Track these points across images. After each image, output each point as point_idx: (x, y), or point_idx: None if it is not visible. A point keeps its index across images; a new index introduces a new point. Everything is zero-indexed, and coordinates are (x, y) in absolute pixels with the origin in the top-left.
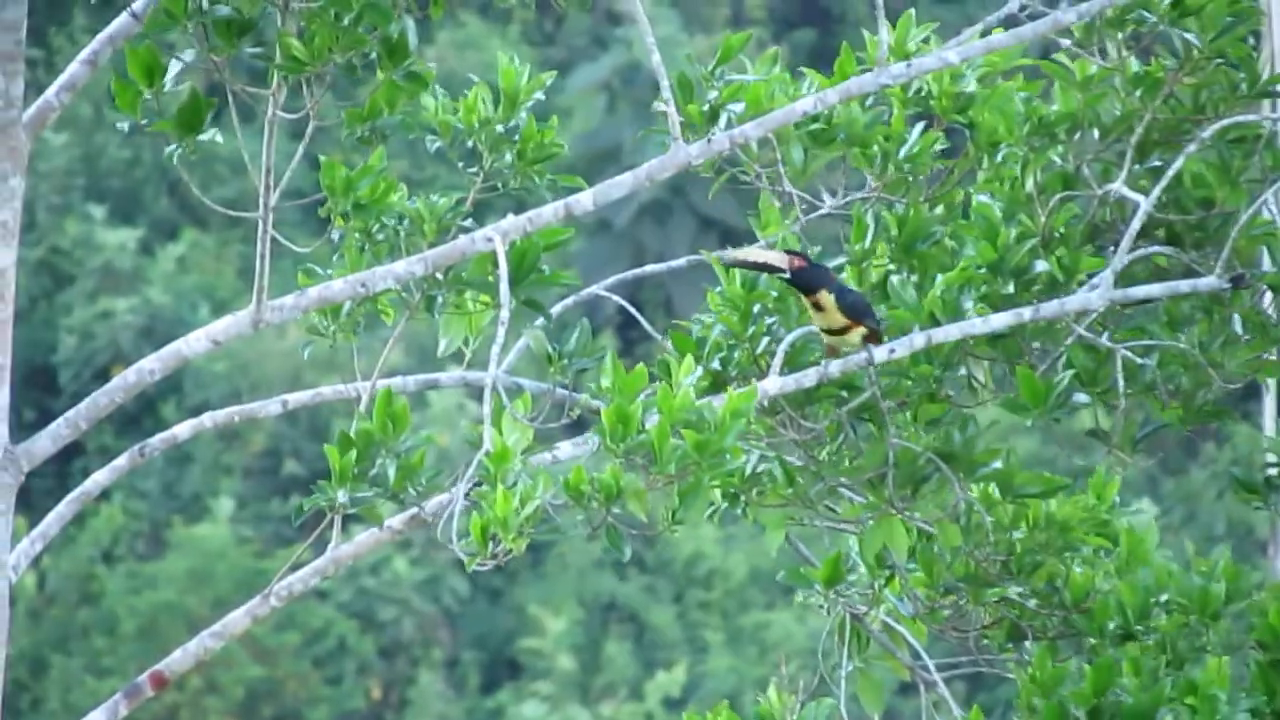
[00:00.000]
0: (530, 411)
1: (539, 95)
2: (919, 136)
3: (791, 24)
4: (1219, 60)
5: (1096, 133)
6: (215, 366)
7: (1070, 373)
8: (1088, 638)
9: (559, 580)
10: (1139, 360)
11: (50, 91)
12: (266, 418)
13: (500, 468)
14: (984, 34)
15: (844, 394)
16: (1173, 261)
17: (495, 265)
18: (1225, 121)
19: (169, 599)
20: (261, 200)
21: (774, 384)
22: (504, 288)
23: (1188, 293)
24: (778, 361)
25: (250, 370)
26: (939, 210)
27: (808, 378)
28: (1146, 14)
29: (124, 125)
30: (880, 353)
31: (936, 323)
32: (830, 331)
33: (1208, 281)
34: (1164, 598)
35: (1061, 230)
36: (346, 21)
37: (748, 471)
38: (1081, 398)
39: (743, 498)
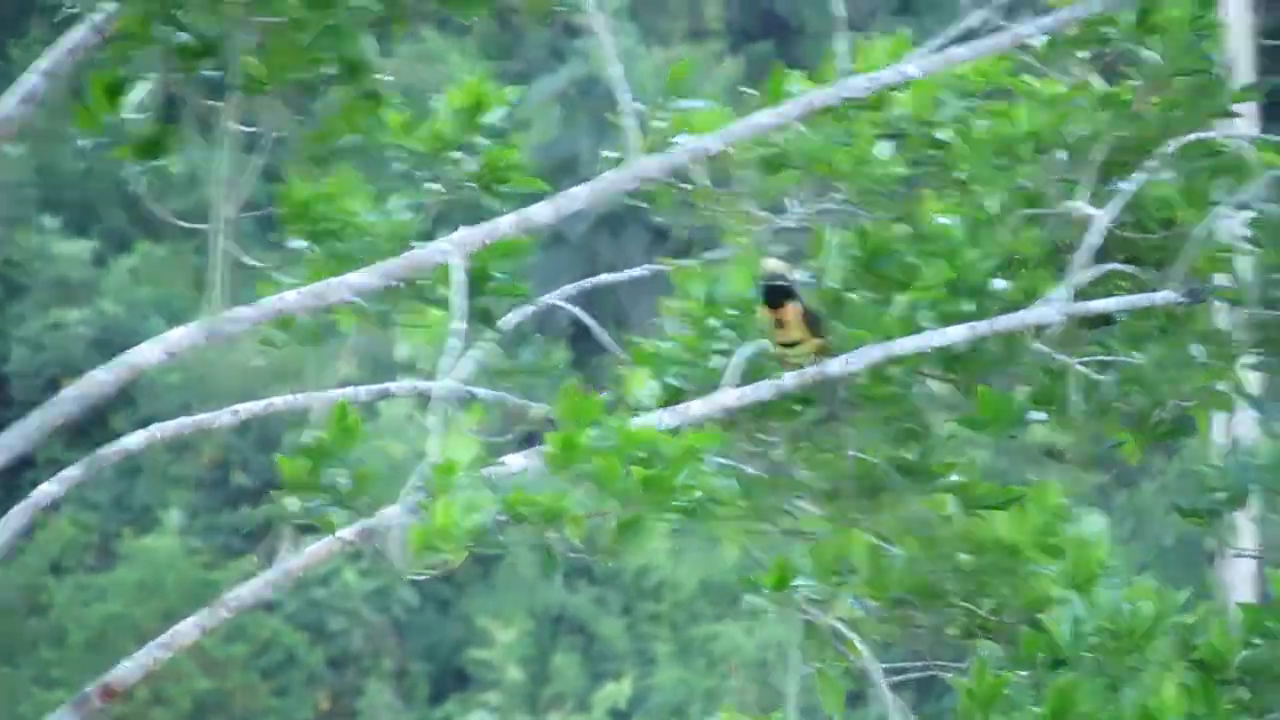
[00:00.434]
0: (481, 423)
1: (501, 114)
2: (882, 152)
3: (750, 36)
4: (1183, 77)
5: (1063, 153)
6: (167, 378)
7: (1028, 390)
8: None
9: (508, 591)
10: (1095, 377)
11: (10, 103)
12: (217, 429)
13: (445, 480)
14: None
15: (798, 408)
16: (1135, 282)
17: (450, 277)
18: (1188, 139)
19: (118, 610)
20: (217, 213)
21: (731, 397)
22: (459, 300)
23: (1145, 308)
24: (734, 375)
25: (202, 382)
26: (904, 228)
27: (764, 390)
28: (1109, 31)
29: (86, 143)
30: (835, 365)
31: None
32: (785, 345)
33: (1164, 295)
34: (1091, 626)
35: (1024, 253)
36: (306, 41)
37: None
38: (1037, 415)
39: (697, 513)
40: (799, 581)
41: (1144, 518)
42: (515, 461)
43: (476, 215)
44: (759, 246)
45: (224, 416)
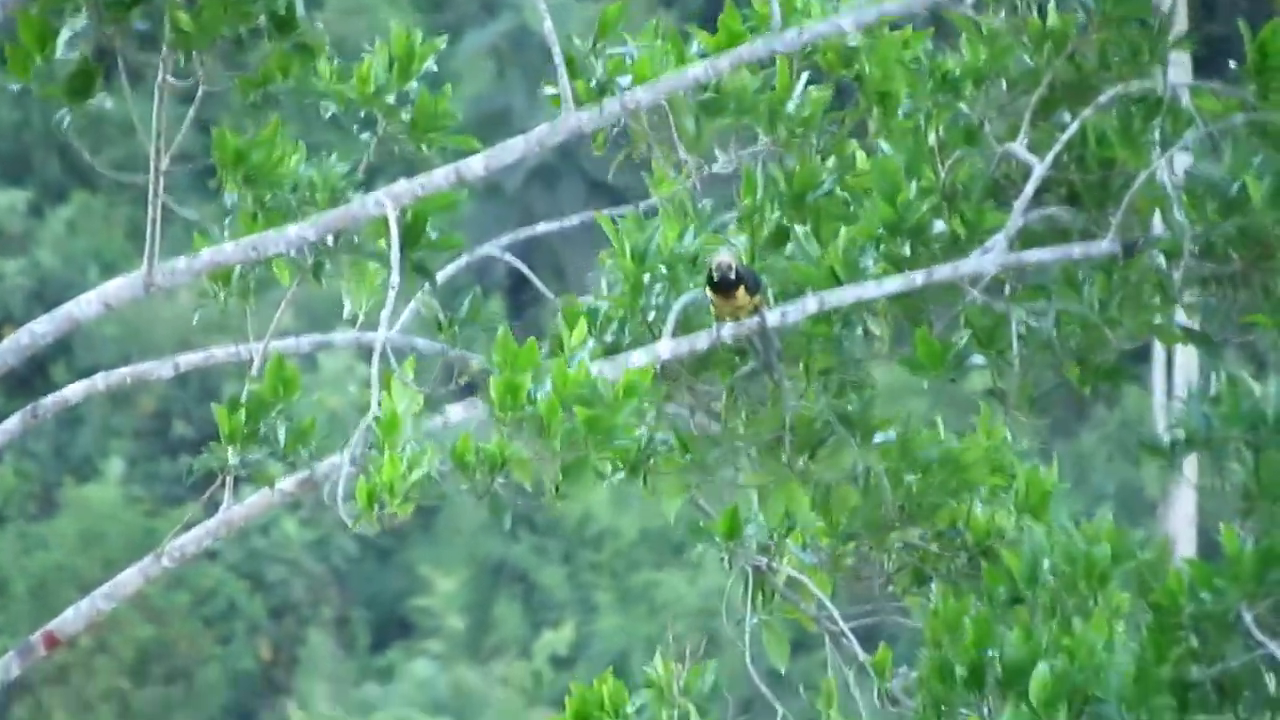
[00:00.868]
0: (418, 375)
1: (431, 65)
2: (805, 91)
3: None
4: (1121, 23)
5: (1004, 84)
6: (106, 330)
7: (968, 333)
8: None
9: (449, 541)
10: (1035, 321)
11: None
12: (157, 381)
13: (390, 434)
14: None
15: (737, 359)
16: (1074, 219)
17: (387, 230)
18: (1123, 88)
19: (60, 559)
20: (153, 164)
21: (666, 347)
22: (395, 253)
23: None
24: (670, 326)
25: (141, 334)
26: (830, 163)
27: (700, 340)
28: None
29: (14, 88)
30: (773, 316)
31: (837, 280)
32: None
33: (1100, 247)
34: (1047, 564)
35: (963, 186)
36: None
37: (642, 445)
38: (978, 359)
39: (640, 468)
40: (748, 530)
41: (1085, 466)
42: (456, 413)
43: (411, 170)
44: (687, 193)
45: (164, 368)
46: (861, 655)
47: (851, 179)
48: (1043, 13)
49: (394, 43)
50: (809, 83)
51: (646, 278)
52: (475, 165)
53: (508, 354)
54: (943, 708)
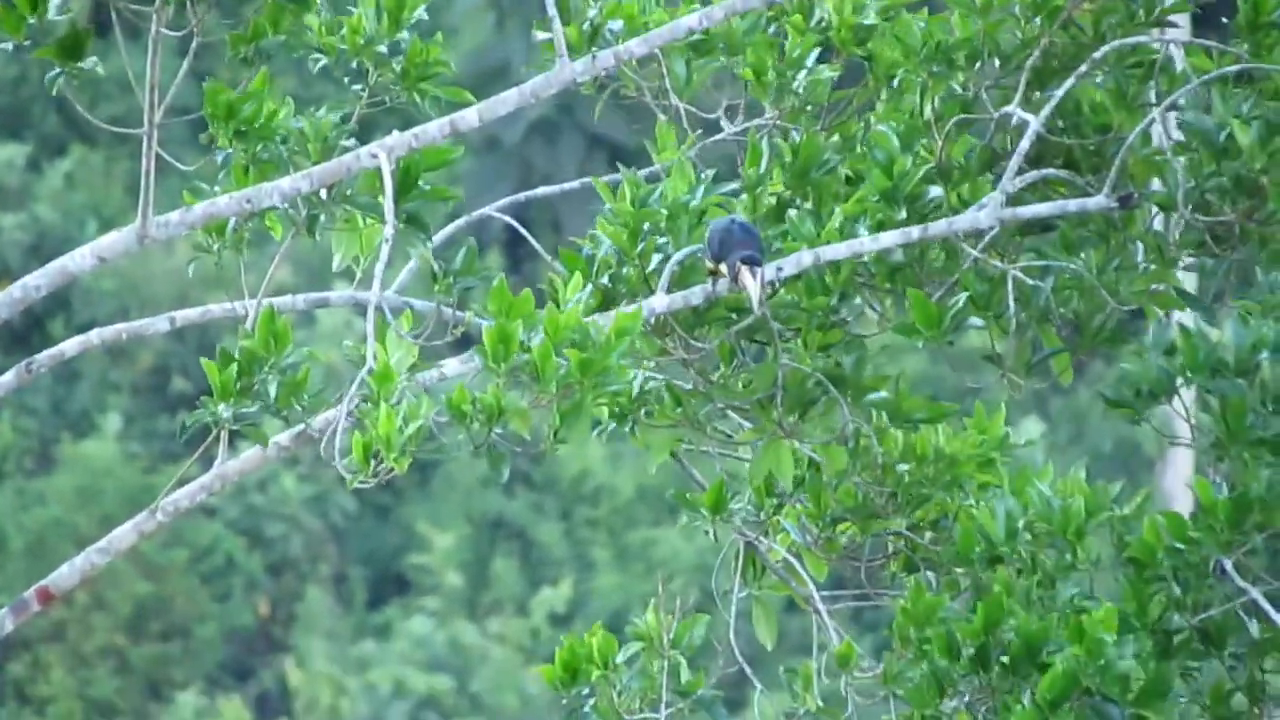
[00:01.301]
0: (415, 329)
1: (422, 12)
2: (814, 65)
3: None
4: None
5: (997, 61)
6: (103, 284)
7: (964, 295)
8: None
9: (446, 497)
10: (1032, 282)
11: None
12: (154, 335)
13: (384, 386)
14: None
15: (734, 316)
16: (1070, 188)
17: (381, 182)
18: (1119, 43)
19: (57, 515)
20: (147, 118)
21: (661, 302)
22: (389, 205)
23: (1078, 214)
24: (665, 279)
25: (138, 289)
26: (835, 140)
27: (695, 296)
28: None
29: (7, 46)
30: (769, 271)
31: None
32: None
33: (1096, 201)
34: (1023, 522)
35: (960, 160)
36: None
37: (635, 392)
38: (975, 321)
39: (630, 418)
40: (735, 505)
41: (1082, 423)
42: (452, 366)
43: (405, 123)
44: (689, 159)
45: (160, 323)
46: (835, 641)
47: (855, 159)
48: None
49: None
50: (818, 57)
51: (646, 225)
52: (470, 117)
53: (502, 304)
54: (945, 687)
